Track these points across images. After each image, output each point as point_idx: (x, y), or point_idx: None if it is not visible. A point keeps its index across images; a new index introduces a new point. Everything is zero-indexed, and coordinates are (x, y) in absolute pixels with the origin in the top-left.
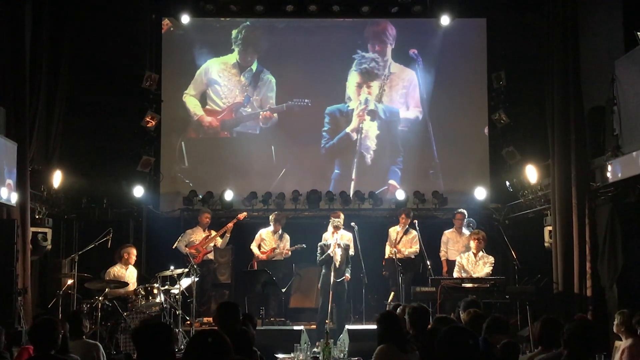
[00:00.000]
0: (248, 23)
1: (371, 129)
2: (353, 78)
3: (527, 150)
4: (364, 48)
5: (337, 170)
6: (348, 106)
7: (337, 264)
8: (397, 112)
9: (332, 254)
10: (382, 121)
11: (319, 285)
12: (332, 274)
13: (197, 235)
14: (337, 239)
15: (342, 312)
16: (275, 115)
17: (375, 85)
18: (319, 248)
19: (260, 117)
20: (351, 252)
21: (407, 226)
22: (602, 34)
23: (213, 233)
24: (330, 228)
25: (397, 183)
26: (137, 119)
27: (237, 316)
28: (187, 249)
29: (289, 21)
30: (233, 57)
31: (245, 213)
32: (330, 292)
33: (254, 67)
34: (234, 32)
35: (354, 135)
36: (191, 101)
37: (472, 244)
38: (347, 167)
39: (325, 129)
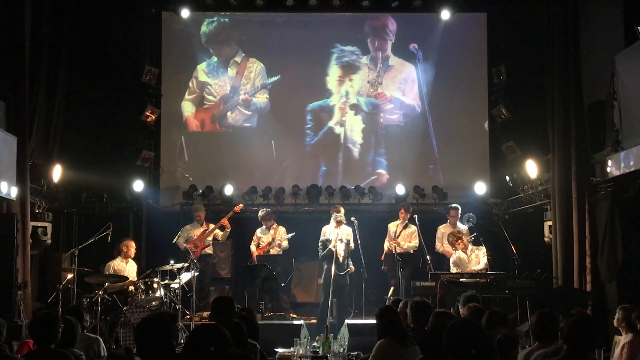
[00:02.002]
0: (214, 20)
1: (356, 123)
2: (334, 72)
3: (527, 145)
4: (344, 41)
5: (324, 167)
6: (330, 101)
7: (341, 258)
8: (378, 105)
9: (333, 249)
10: (366, 114)
11: (322, 280)
12: (334, 268)
13: (196, 230)
14: (339, 233)
15: (342, 306)
16: (262, 98)
17: (356, 78)
18: (320, 243)
19: (240, 101)
20: (351, 246)
21: (407, 221)
22: (602, 29)
23: (211, 226)
24: (332, 222)
25: (385, 171)
26: (137, 113)
27: (232, 310)
28: (185, 244)
29: (289, 15)
30: (215, 57)
31: (241, 205)
32: (332, 287)
33: (239, 58)
34: (202, 28)
35: (338, 129)
36: (187, 105)
37: (458, 246)
38: (334, 162)
39: (309, 126)
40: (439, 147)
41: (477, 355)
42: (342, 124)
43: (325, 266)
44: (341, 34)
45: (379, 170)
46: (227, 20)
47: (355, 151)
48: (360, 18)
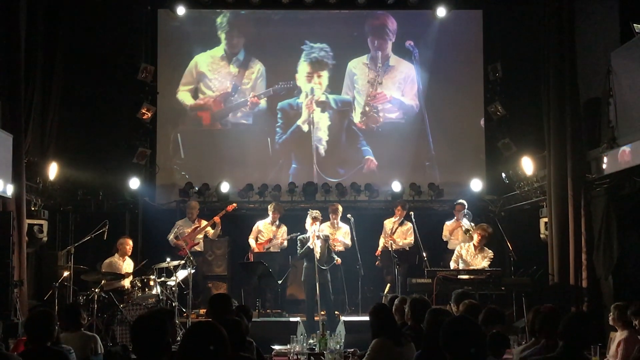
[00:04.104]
0: (229, 13)
1: (322, 120)
2: (302, 69)
3: (523, 142)
4: (314, 39)
5: (294, 165)
6: (298, 99)
7: (318, 255)
8: (349, 102)
9: (311, 246)
10: (334, 111)
11: (302, 278)
12: (315, 266)
13: (187, 227)
14: (316, 230)
15: (327, 302)
16: (262, 102)
17: (324, 75)
18: (298, 242)
19: (248, 103)
20: (348, 243)
21: (403, 218)
22: (598, 26)
23: (203, 223)
24: (309, 219)
25: (373, 157)
26: (133, 111)
27: (229, 307)
28: (175, 241)
29: (285, 12)
30: (220, 49)
31: (234, 204)
32: (317, 285)
33: (241, 56)
34: (219, 19)
35: (306, 127)
36: (185, 96)
37: (475, 237)
38: (304, 160)
39: (278, 124)
40: (435, 144)
41: (475, 352)
42: (310, 122)
43: (305, 264)
44: (340, 33)
45: (367, 157)
46: (240, 15)
47: (321, 149)
48: (357, 16)
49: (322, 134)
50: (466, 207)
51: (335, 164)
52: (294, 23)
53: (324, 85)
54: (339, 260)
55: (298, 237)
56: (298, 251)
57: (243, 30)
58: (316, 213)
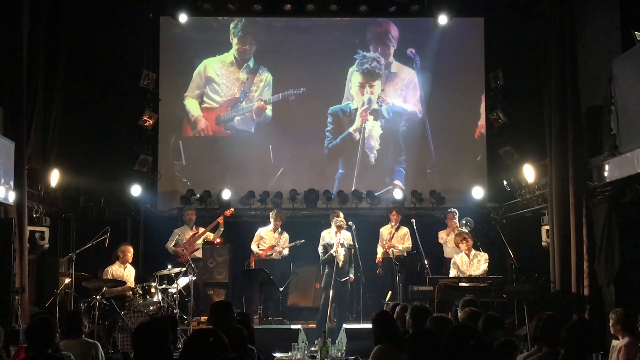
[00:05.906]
0: (243, 19)
1: (375, 129)
2: (355, 78)
3: (524, 150)
4: (365, 47)
5: (341, 170)
6: (350, 106)
7: (340, 263)
8: (399, 112)
9: (334, 254)
10: (386, 120)
11: (322, 284)
12: (335, 273)
13: (185, 233)
14: (340, 238)
15: (342, 312)
16: (268, 109)
17: (377, 84)
18: (321, 247)
19: (254, 108)
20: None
21: (399, 223)
22: (599, 33)
23: (201, 230)
24: (333, 227)
25: (402, 183)
26: (135, 118)
27: (231, 315)
28: (174, 248)
29: (287, 20)
30: (230, 55)
31: (232, 209)
32: (331, 292)
33: (251, 63)
34: (232, 25)
35: (357, 135)
36: (191, 103)
37: (462, 246)
38: (351, 167)
39: (329, 128)
40: (436, 151)
41: (476, 356)
42: (361, 130)
43: (325, 270)
44: (343, 39)
45: (396, 182)
46: (254, 22)
47: (372, 157)
48: (359, 23)
49: (374, 142)
50: (457, 214)
51: (381, 174)
52: (295, 30)
53: (376, 94)
54: (352, 277)
55: (322, 243)
56: (320, 257)
57: (255, 38)
58: (340, 222)
